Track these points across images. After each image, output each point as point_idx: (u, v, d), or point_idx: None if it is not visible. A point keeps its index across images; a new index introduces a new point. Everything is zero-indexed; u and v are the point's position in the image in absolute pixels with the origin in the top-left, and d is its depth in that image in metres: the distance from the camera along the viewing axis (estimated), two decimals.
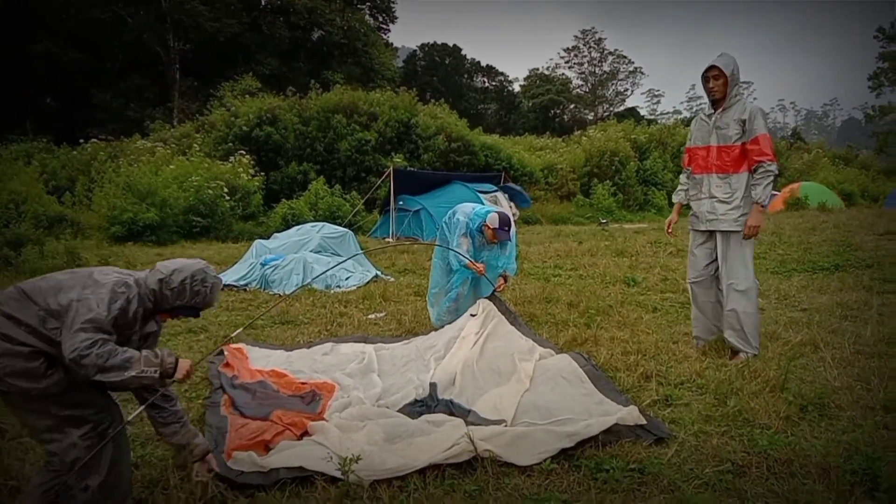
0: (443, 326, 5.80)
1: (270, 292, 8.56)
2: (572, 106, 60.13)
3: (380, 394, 4.40)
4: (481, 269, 5.73)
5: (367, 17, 48.01)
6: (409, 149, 23.11)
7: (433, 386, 4.43)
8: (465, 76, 59.18)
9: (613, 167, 26.22)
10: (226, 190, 17.04)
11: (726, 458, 3.22)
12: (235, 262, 10.21)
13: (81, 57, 33.96)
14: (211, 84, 33.47)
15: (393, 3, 49.85)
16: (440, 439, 3.37)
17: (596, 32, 65.44)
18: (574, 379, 4.29)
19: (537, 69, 60.63)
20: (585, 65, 65.60)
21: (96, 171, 19.32)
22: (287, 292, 8.36)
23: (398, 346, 5.51)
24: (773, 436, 3.44)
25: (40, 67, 31.88)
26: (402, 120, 23.25)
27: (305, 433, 3.62)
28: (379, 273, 9.74)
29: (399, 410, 4.08)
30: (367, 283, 9.08)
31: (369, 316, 7.02)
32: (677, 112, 73.54)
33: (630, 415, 3.58)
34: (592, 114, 62.23)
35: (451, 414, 3.96)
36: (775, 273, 8.81)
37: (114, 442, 2.69)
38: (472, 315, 5.54)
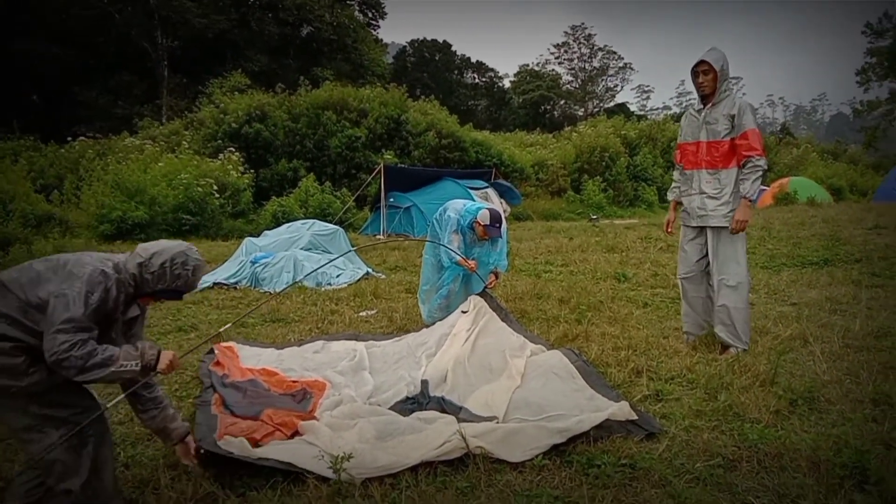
0: (434, 323, 5.80)
1: (261, 290, 8.53)
2: (562, 102, 60.18)
3: (371, 391, 4.40)
4: (473, 265, 5.73)
5: (356, 12, 47.81)
6: (399, 145, 23.07)
7: (425, 383, 4.43)
8: (456, 72, 59.11)
9: (604, 163, 26.31)
10: (215, 187, 16.95)
11: (717, 452, 3.23)
12: (225, 260, 10.16)
13: (68, 54, 33.70)
14: (200, 81, 33.29)
15: None
16: (432, 436, 3.37)
17: (586, 28, 65.60)
18: (565, 375, 4.29)
19: (527, 65, 60.75)
20: (575, 61, 65.73)
21: (84, 168, 19.18)
22: (277, 290, 8.33)
23: (389, 344, 5.51)
24: (764, 430, 3.45)
25: (26, 65, 31.58)
26: (393, 116, 23.20)
27: (296, 433, 3.61)
28: (370, 270, 9.72)
29: (390, 408, 4.07)
30: (358, 280, 9.06)
31: (360, 313, 7.01)
32: (667, 107, 74.17)
33: (621, 410, 3.58)
34: (582, 110, 62.34)
35: (443, 411, 3.96)
36: (765, 268, 8.85)
37: (95, 443, 2.66)
38: (464, 312, 5.54)
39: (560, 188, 25.35)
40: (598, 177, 25.59)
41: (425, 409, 4.01)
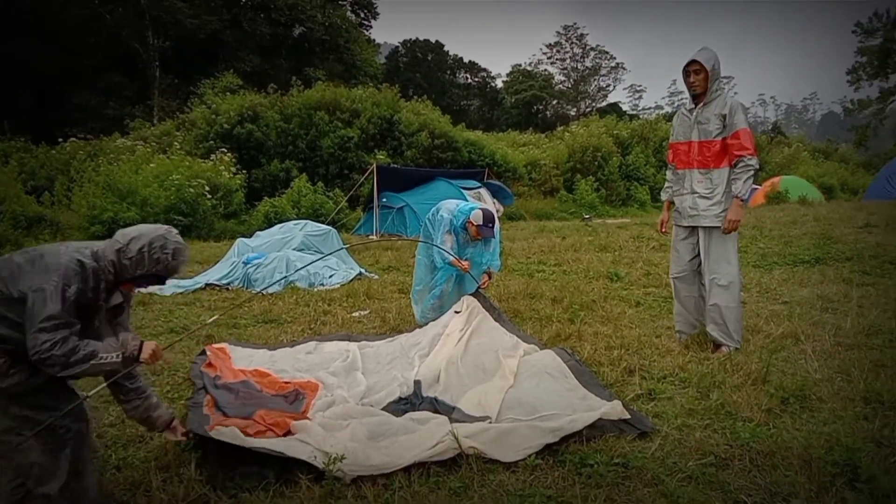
0: (427, 324, 5.79)
1: (253, 291, 8.51)
2: (555, 102, 60.21)
3: (364, 392, 4.39)
4: (466, 266, 5.73)
5: (348, 13, 47.70)
6: (392, 145, 23.04)
7: (418, 383, 4.43)
8: (448, 72, 59.09)
9: (596, 162, 26.35)
10: (207, 188, 16.88)
11: (709, 451, 3.24)
12: (217, 261, 10.13)
13: (59, 55, 33.52)
14: (191, 81, 33.18)
15: None
16: (425, 437, 3.37)
17: (578, 28, 65.57)
18: (558, 374, 4.30)
19: (520, 65, 60.69)
20: (568, 60, 65.72)
21: (75, 170, 19.06)
22: (270, 291, 8.31)
23: (382, 344, 5.50)
24: (756, 428, 3.47)
25: (16, 66, 31.40)
26: (385, 116, 23.16)
27: (288, 433, 3.60)
28: (363, 271, 9.71)
29: (383, 409, 4.07)
30: (351, 280, 9.04)
31: (353, 314, 7.00)
32: (659, 107, 74.05)
33: (614, 409, 3.59)
34: (575, 109, 62.37)
35: (436, 411, 3.96)
36: (757, 266, 8.88)
37: (75, 446, 2.63)
38: (457, 312, 5.54)
39: (553, 188, 25.37)
40: (590, 176, 25.63)
41: (418, 410, 4.01)
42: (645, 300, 7.19)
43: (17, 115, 29.04)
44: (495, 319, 5.43)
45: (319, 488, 2.95)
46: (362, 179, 18.64)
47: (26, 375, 2.48)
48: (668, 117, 34.39)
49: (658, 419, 3.70)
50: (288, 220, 13.78)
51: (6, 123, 24.88)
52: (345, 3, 47.90)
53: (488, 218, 5.69)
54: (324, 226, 11.20)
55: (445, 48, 58.43)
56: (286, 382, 4.50)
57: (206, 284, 8.73)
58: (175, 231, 2.81)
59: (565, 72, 65.52)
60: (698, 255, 5.15)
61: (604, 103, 61.31)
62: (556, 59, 65.56)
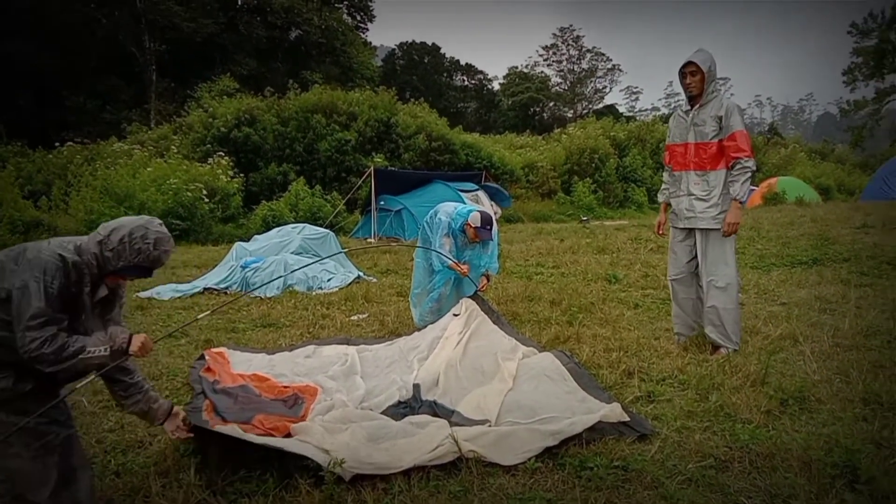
0: (425, 326, 5.79)
1: (251, 295, 8.49)
2: (552, 104, 60.33)
3: (363, 396, 4.38)
4: (465, 270, 5.73)
5: (344, 15, 47.77)
6: (389, 148, 23.06)
7: (417, 387, 4.42)
8: (445, 75, 59.20)
9: (593, 164, 26.38)
10: (205, 192, 16.89)
11: (709, 453, 3.24)
12: (215, 265, 10.12)
13: (55, 58, 33.47)
14: (188, 85, 33.16)
15: (371, 1, 49.68)
16: (424, 441, 3.37)
17: (574, 30, 65.85)
18: (557, 377, 4.29)
19: (516, 67, 60.81)
20: (564, 62, 65.94)
21: (73, 174, 19.04)
22: (268, 295, 8.31)
23: (381, 348, 5.49)
24: (755, 430, 3.47)
25: (13, 69, 31.34)
26: (382, 119, 23.19)
27: (288, 436, 3.60)
28: (361, 274, 9.71)
29: (383, 412, 4.06)
30: (350, 284, 9.04)
31: (352, 317, 6.99)
32: (655, 109, 74.42)
33: (613, 412, 3.59)
34: (572, 111, 62.50)
35: (435, 415, 3.95)
36: (754, 268, 8.89)
37: (63, 453, 2.60)
38: (455, 315, 5.54)
39: (550, 190, 25.39)
40: (587, 178, 25.65)
41: (417, 414, 4.00)
42: (643, 302, 7.19)
43: (14, 119, 29.00)
44: (494, 322, 5.43)
45: (319, 493, 2.94)
46: (360, 182, 18.65)
47: (13, 381, 2.46)
48: (665, 119, 34.42)
49: (657, 421, 3.70)
50: (286, 223, 13.77)
51: (3, 127, 24.86)
52: (341, 5, 47.98)
53: (486, 220, 5.69)
54: (322, 229, 11.21)
55: (442, 51, 58.69)
56: (285, 387, 4.49)
57: (205, 288, 8.73)
58: (158, 222, 2.75)
59: (562, 74, 65.79)
60: (696, 257, 5.15)
61: (600, 105, 61.49)
62: (553, 62, 65.86)
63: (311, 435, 3.47)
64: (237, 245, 10.38)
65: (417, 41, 58.37)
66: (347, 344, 5.63)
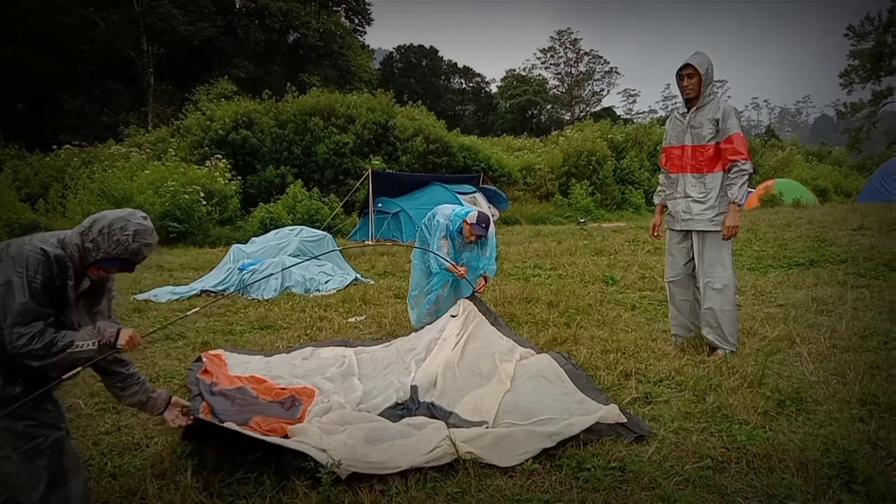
0: (423, 328, 5.78)
1: (249, 297, 8.49)
2: (549, 106, 60.46)
3: (360, 398, 4.37)
4: (462, 272, 5.73)
5: (342, 19, 47.83)
6: (387, 151, 23.07)
7: (414, 388, 4.42)
8: (443, 77, 59.23)
9: (591, 167, 26.43)
10: (202, 194, 16.90)
11: (706, 454, 3.24)
12: (213, 268, 10.12)
13: (53, 61, 33.48)
14: (186, 88, 33.19)
15: (369, 4, 49.76)
16: (421, 442, 3.36)
17: (571, 33, 65.85)
18: (555, 378, 4.30)
19: (514, 70, 60.86)
20: (561, 65, 65.99)
21: (70, 177, 19.07)
22: (266, 297, 8.31)
23: (379, 349, 5.48)
24: (752, 431, 3.47)
25: (10, 72, 31.33)
26: (380, 122, 23.20)
27: (285, 437, 3.59)
28: (359, 276, 9.71)
29: (380, 414, 4.06)
30: (347, 286, 9.04)
31: (349, 319, 6.99)
32: (653, 111, 74.71)
33: (610, 413, 3.59)
34: (569, 114, 62.59)
35: (433, 416, 3.95)
36: (752, 269, 8.90)
37: (52, 455, 2.57)
38: (453, 316, 5.54)
39: (548, 192, 25.43)
40: (585, 180, 25.70)
41: (415, 415, 4.00)
42: (640, 304, 7.20)
43: (12, 123, 29.01)
44: (491, 323, 5.43)
45: (316, 494, 2.94)
46: (357, 185, 18.66)
47: (1, 383, 2.45)
48: (662, 121, 34.51)
49: (655, 423, 3.70)
50: (283, 225, 13.78)
51: (0, 131, 24.85)
52: (339, 9, 48.05)
53: (482, 218, 5.70)
54: (319, 231, 11.21)
55: (440, 53, 58.74)
56: (282, 389, 4.48)
57: (202, 291, 8.73)
58: (142, 214, 2.69)
59: (559, 76, 65.84)
60: (693, 258, 5.15)
61: (598, 108, 61.54)
62: (551, 64, 65.91)
63: (308, 436, 3.46)
64: (234, 247, 10.39)
65: (415, 44, 58.40)
66: (345, 346, 5.61)
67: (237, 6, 42.39)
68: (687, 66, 4.91)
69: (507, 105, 56.00)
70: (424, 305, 6.05)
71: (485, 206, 17.90)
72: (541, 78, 61.36)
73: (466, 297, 5.76)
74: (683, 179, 5.10)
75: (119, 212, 2.65)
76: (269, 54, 42.41)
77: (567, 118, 59.70)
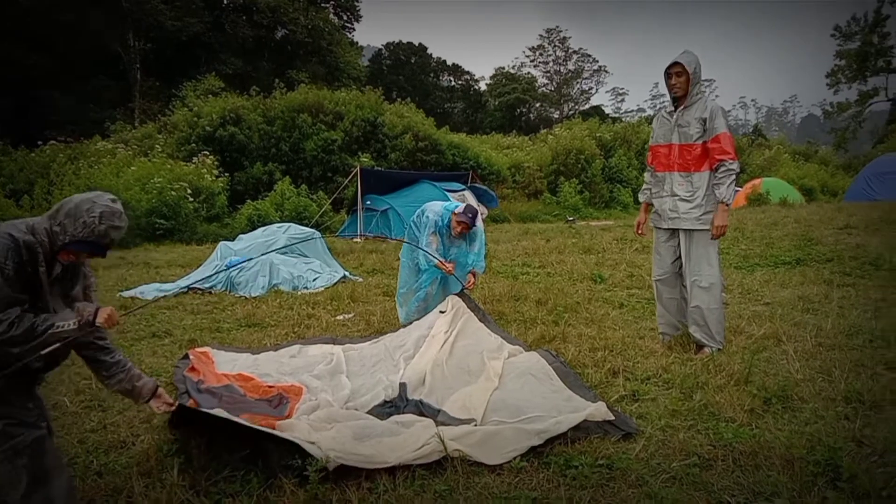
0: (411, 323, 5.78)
1: (236, 294, 8.45)
2: (538, 104, 60.53)
3: (349, 395, 4.36)
4: (451, 268, 5.73)
5: (331, 15, 47.61)
6: (375, 148, 23.03)
7: (403, 386, 4.41)
8: (432, 75, 59.13)
9: (579, 165, 26.49)
10: (189, 191, 16.80)
11: (693, 451, 3.26)
12: (200, 265, 10.07)
13: (38, 57, 33.12)
14: (173, 84, 32.94)
15: (357, 1, 49.57)
16: (410, 440, 3.36)
17: (560, 31, 65.98)
18: (543, 376, 4.30)
19: (503, 68, 60.94)
20: (550, 63, 66.11)
21: (55, 173, 18.86)
22: (253, 294, 8.28)
23: (367, 346, 5.47)
24: (738, 429, 3.49)
25: (4, 73, 30.98)
26: (369, 119, 23.16)
27: None
28: (347, 274, 9.68)
29: (368, 412, 4.05)
30: (335, 283, 9.02)
31: (337, 317, 6.97)
32: (641, 110, 74.99)
33: (598, 411, 3.60)
34: (558, 112, 62.71)
35: (421, 414, 3.95)
36: (738, 268, 8.95)
37: (32, 454, 2.53)
38: (442, 312, 5.53)
39: (536, 190, 25.47)
40: (573, 179, 25.76)
41: (403, 413, 3.99)
42: (628, 302, 7.23)
43: None
44: (480, 320, 5.43)
45: (304, 492, 2.93)
46: (346, 182, 18.60)
47: None
48: (650, 120, 34.59)
49: (642, 420, 3.72)
50: (271, 223, 13.72)
51: None
52: (327, 5, 47.84)
53: (469, 209, 5.74)
54: (307, 229, 11.17)
55: (429, 51, 58.58)
56: (270, 386, 4.47)
57: (189, 288, 8.67)
58: (111, 197, 2.63)
59: (548, 75, 65.96)
60: (680, 257, 5.17)
61: (587, 106, 61.71)
62: (539, 62, 66.01)
63: (296, 431, 3.46)
64: (222, 244, 10.32)
65: (404, 41, 58.32)
66: (333, 343, 5.60)
67: (225, 2, 42.09)
68: (675, 64, 4.92)
69: (496, 103, 56.01)
70: (413, 303, 6.05)
71: (474, 204, 17.89)
72: (530, 76, 61.52)
73: (455, 294, 5.75)
74: (670, 178, 5.11)
75: (86, 194, 2.60)
76: (256, 50, 42.16)
77: (556, 116, 59.83)
